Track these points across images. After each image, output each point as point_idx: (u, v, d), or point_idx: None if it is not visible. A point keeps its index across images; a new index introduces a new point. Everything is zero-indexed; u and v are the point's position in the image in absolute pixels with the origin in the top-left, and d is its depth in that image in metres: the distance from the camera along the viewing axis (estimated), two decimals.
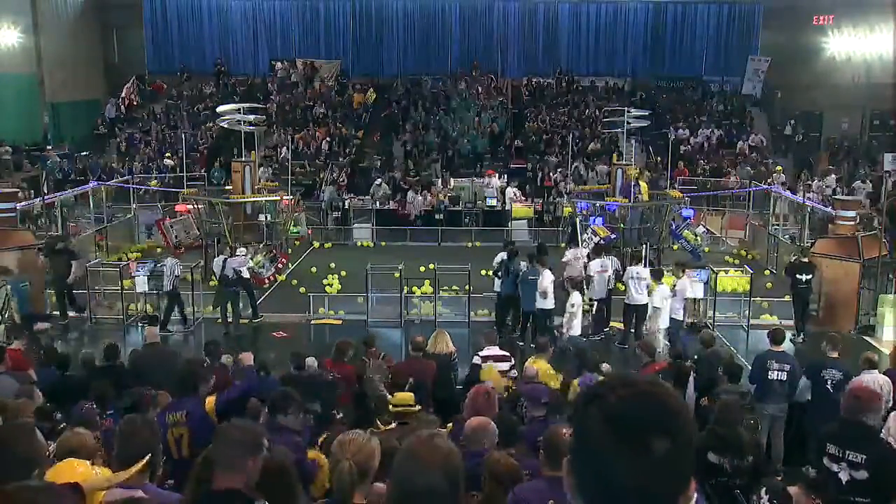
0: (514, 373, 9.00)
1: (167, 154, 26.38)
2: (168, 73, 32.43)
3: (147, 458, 3.50)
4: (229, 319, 14.04)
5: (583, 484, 1.38)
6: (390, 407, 6.39)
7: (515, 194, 23.11)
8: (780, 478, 5.02)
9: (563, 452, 3.69)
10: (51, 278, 14.34)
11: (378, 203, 22.69)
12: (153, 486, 3.70)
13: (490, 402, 5.62)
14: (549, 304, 12.55)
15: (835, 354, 8.61)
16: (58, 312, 14.23)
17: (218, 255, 14.43)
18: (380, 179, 23.51)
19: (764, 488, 4.63)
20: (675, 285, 12.61)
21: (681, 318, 12.49)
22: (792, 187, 22.43)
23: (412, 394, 6.60)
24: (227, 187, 18.80)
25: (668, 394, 1.38)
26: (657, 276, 12.61)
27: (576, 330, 12.11)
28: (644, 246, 16.67)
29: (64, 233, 15.43)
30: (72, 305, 14.34)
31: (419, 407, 6.29)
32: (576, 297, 12.25)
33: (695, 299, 14.28)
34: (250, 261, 15.17)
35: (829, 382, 8.21)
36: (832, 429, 5.50)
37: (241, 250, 14.92)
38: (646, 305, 12.65)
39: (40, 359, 9.03)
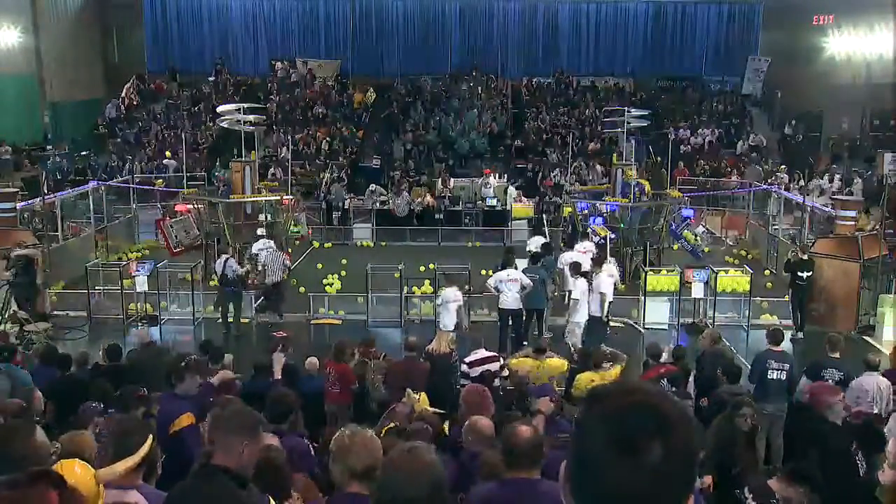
0: (505, 372, 9.00)
1: (167, 153, 26.40)
2: (168, 74, 32.45)
3: (141, 453, 3.50)
4: (230, 320, 14.04)
5: (579, 489, 1.37)
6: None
7: (519, 195, 23.07)
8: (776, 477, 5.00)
9: (523, 453, 3.68)
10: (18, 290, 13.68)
11: (377, 205, 22.68)
12: (148, 487, 3.69)
13: (485, 401, 5.64)
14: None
15: (836, 355, 8.63)
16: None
17: (219, 256, 14.45)
18: (374, 185, 23.49)
19: (747, 487, 4.64)
20: (591, 281, 12.55)
21: (599, 314, 12.41)
22: (787, 187, 22.43)
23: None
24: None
25: (668, 402, 1.37)
26: (575, 270, 12.60)
27: (449, 324, 11.94)
28: (645, 247, 16.71)
29: (22, 247, 14.09)
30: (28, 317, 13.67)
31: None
32: (446, 293, 12.23)
33: (698, 298, 14.31)
34: (272, 244, 15.28)
35: (829, 382, 8.22)
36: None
37: (265, 241, 15.18)
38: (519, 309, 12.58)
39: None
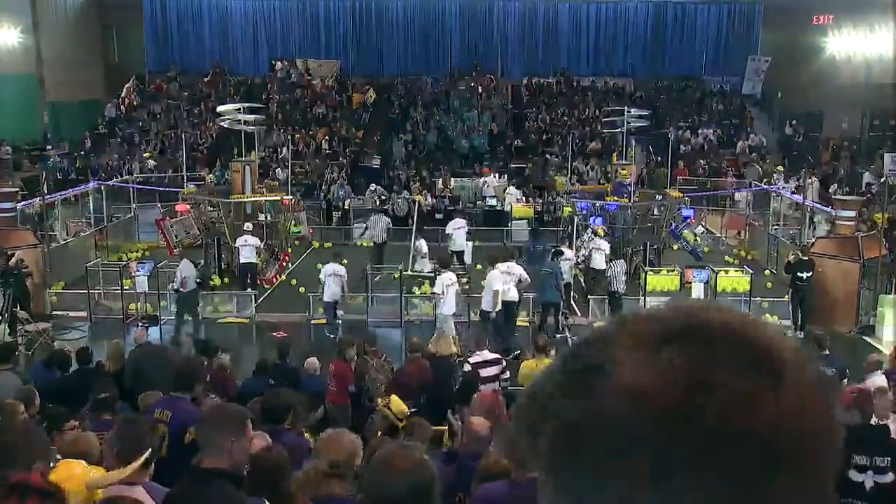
0: (506, 375, 9.01)
1: (147, 153, 26.32)
2: (168, 74, 32.45)
3: (146, 455, 3.51)
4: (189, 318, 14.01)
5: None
6: (392, 417, 6.47)
7: (520, 197, 22.96)
8: None
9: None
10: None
11: (377, 204, 22.65)
12: (153, 484, 3.70)
13: (498, 407, 5.66)
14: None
15: (825, 353, 8.70)
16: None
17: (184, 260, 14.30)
18: (374, 185, 23.51)
19: None
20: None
21: (489, 310, 12.83)
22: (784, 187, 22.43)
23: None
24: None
25: None
26: (443, 264, 13.44)
27: (329, 297, 13.52)
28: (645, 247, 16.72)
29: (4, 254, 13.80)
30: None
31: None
32: (325, 268, 13.73)
33: (698, 298, 14.29)
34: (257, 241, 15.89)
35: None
36: (855, 436, 5.36)
37: (247, 225, 15.96)
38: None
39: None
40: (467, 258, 17.72)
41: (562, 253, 14.35)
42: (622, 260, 14.16)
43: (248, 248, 15.57)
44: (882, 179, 22.32)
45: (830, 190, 22.63)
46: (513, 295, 12.95)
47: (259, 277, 16.19)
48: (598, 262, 15.09)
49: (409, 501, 2.08)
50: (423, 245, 16.54)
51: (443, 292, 12.75)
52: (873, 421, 5.78)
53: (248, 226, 16.07)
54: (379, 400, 7.24)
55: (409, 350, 9.26)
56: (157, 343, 12.01)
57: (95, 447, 4.47)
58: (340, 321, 14.02)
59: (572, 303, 14.78)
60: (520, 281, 12.96)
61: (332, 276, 13.57)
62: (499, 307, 12.78)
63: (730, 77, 32.07)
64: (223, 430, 3.26)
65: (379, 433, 5.86)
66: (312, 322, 14.42)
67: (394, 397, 7.31)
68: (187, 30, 33.02)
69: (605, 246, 15.27)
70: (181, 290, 13.62)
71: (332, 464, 3.13)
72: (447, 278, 12.95)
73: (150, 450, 3.59)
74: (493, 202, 22.89)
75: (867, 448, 5.18)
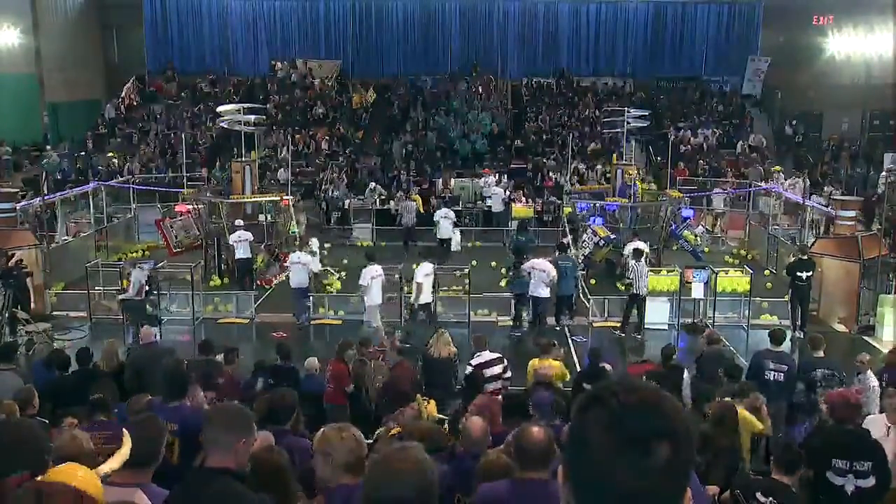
0: (507, 374, 9.00)
1: (110, 153, 26.20)
2: (167, 74, 32.42)
3: (124, 450, 3.51)
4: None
5: (581, 490, 1.34)
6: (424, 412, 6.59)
7: (505, 197, 22.84)
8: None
9: (534, 454, 3.65)
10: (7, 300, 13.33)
11: (377, 204, 22.64)
12: (154, 487, 3.70)
13: (493, 411, 5.67)
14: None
15: (820, 354, 8.69)
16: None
17: (137, 266, 13.92)
18: (373, 184, 23.49)
19: (759, 492, 4.59)
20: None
21: (412, 301, 13.61)
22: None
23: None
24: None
25: (668, 399, 1.37)
26: (369, 258, 14.04)
27: (295, 283, 14.13)
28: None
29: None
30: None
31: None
32: (291, 257, 14.48)
33: (698, 298, 14.29)
34: (249, 234, 16.21)
35: (819, 384, 8.27)
36: (835, 441, 5.38)
37: (238, 220, 16.31)
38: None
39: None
40: (454, 247, 18.72)
41: (565, 247, 14.56)
42: (643, 262, 14.08)
43: (243, 244, 15.83)
44: (883, 180, 22.35)
45: (824, 192, 22.61)
46: (545, 293, 13.42)
47: (259, 278, 16.21)
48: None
49: (412, 501, 2.07)
50: (314, 243, 16.70)
51: (367, 284, 13.18)
52: (886, 422, 5.81)
53: (240, 221, 16.31)
54: (419, 396, 7.28)
55: (396, 353, 9.29)
56: (159, 344, 11.99)
57: (86, 448, 4.46)
58: (310, 306, 14.49)
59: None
60: (551, 278, 13.39)
61: (297, 264, 14.05)
62: (425, 300, 13.28)
63: (730, 77, 32.06)
64: (231, 430, 3.27)
65: (397, 429, 5.84)
66: (312, 322, 14.43)
67: (432, 402, 7.37)
68: (187, 30, 32.99)
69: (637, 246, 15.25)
70: (136, 298, 13.23)
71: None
72: (373, 270, 13.29)
73: (125, 449, 3.59)
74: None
75: (847, 452, 5.19)
